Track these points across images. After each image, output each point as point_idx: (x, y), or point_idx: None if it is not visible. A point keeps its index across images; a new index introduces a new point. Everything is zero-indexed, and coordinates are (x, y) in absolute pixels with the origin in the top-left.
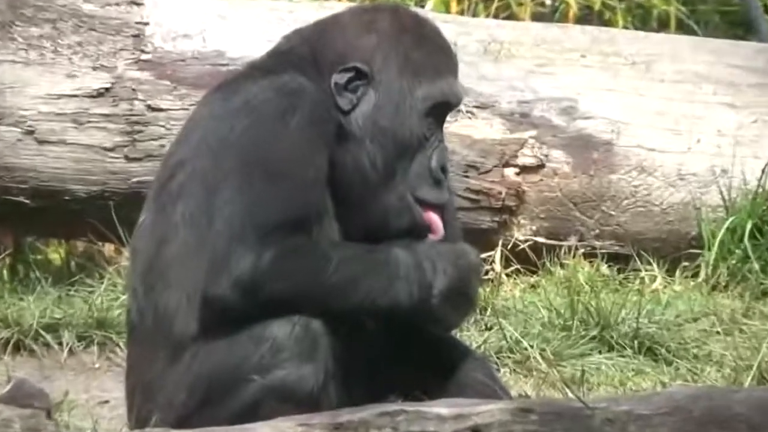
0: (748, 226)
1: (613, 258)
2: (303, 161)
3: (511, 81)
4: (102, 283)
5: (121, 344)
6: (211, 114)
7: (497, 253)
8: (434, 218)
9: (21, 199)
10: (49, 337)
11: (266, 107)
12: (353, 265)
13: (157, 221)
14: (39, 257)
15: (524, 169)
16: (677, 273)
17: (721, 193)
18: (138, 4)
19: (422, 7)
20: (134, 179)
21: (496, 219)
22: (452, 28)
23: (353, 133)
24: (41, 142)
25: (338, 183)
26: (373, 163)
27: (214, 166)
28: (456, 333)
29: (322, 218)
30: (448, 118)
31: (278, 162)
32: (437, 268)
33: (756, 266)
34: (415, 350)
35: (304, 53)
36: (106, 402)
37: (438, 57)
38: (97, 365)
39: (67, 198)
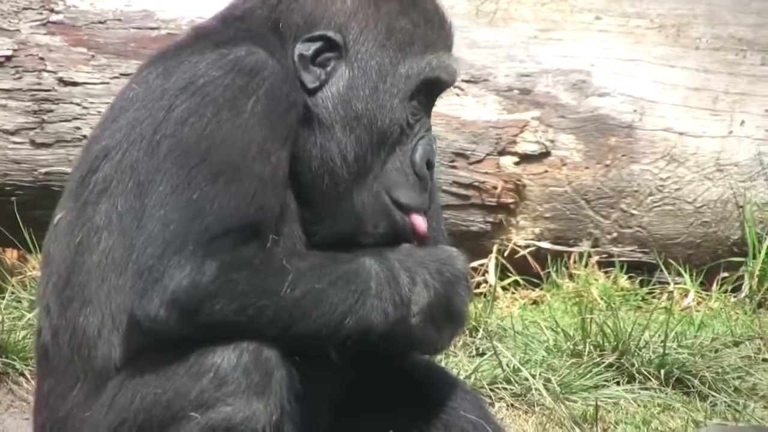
0: None
1: (634, 267)
2: (258, 156)
3: (508, 49)
4: (2, 297)
5: (27, 374)
6: (146, 93)
7: (491, 262)
8: (419, 221)
9: None
10: None
11: (215, 88)
12: (314, 280)
13: (75, 222)
14: None
15: (525, 158)
16: (714, 287)
17: None
18: None
19: None
20: (42, 170)
21: (490, 219)
22: None
23: (321, 118)
24: None
25: (301, 179)
26: (344, 156)
27: (148, 157)
28: (440, 359)
29: (280, 223)
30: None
31: (226, 156)
32: (416, 280)
33: None
34: (391, 383)
35: (263, 17)
36: None
37: (428, 27)
38: None
39: None
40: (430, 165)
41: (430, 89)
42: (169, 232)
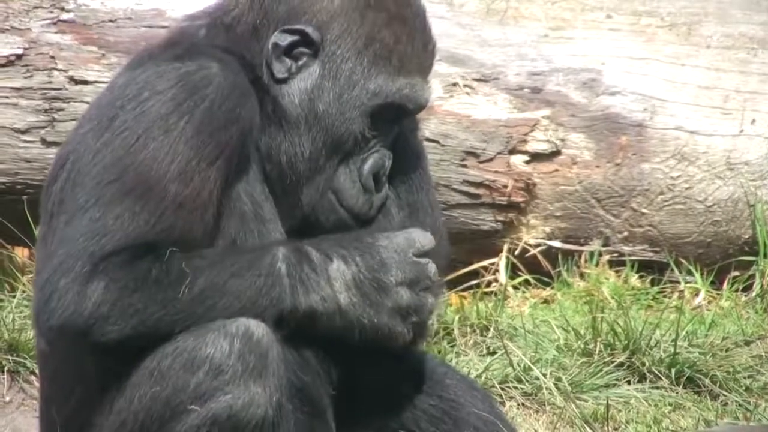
0: None
1: (645, 267)
2: (177, 177)
3: (519, 47)
4: (14, 296)
5: (38, 372)
6: (101, 99)
7: (502, 261)
8: None
9: None
10: None
11: (154, 103)
12: (213, 274)
13: (47, 233)
14: None
15: (535, 157)
16: (725, 286)
17: None
18: None
19: None
20: None
21: (501, 218)
22: None
23: (287, 111)
24: None
25: (272, 174)
26: (302, 152)
27: (87, 167)
28: (451, 359)
29: (210, 238)
30: (442, 94)
31: (143, 175)
32: (332, 257)
33: None
34: (397, 380)
35: (247, 22)
36: None
37: (409, 45)
38: (7, 398)
39: None
40: (377, 178)
41: (391, 113)
42: (63, 252)
